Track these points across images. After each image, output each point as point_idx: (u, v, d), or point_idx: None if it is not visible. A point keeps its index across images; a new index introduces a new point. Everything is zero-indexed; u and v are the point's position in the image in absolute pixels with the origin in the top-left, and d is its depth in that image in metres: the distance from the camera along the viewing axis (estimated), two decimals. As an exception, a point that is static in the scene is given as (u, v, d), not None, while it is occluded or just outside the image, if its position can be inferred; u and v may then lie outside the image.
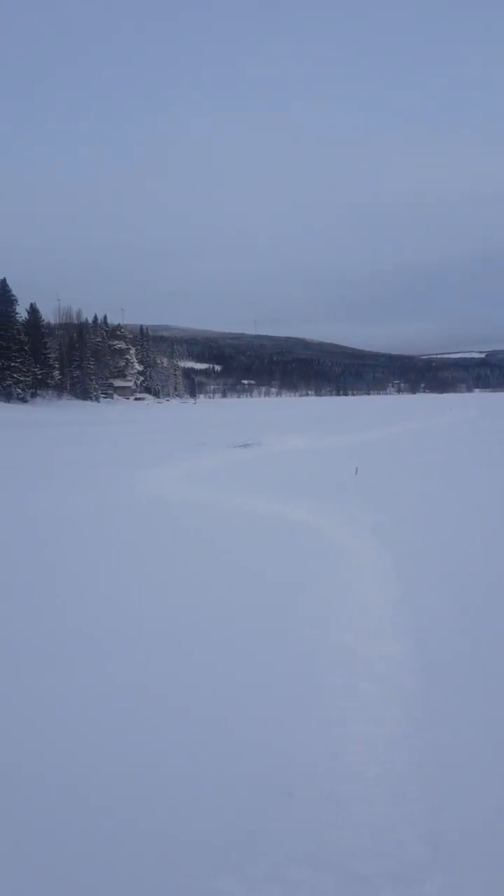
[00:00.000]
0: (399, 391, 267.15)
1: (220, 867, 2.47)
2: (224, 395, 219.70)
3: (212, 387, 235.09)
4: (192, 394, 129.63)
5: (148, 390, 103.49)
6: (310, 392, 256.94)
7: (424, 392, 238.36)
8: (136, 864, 2.49)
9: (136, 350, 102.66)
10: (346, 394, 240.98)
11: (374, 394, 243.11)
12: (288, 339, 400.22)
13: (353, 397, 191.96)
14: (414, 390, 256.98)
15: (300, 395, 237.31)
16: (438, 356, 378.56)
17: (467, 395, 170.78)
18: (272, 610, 5.25)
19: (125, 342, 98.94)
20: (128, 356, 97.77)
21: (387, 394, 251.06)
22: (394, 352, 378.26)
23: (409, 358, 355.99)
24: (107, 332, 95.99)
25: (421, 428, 32.06)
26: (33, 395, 70.65)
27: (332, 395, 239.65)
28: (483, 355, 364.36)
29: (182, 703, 3.73)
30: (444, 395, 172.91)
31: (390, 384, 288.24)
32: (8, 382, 66.75)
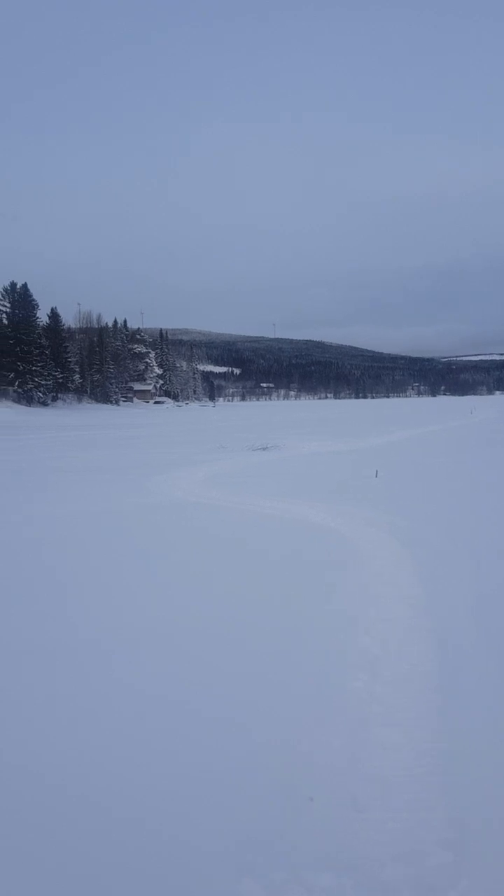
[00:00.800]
0: (419, 394, 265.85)
1: (242, 871, 2.48)
2: (243, 398, 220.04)
3: (231, 390, 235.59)
4: (211, 397, 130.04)
5: (167, 394, 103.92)
6: (329, 395, 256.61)
7: (444, 394, 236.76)
8: (159, 868, 2.50)
9: (156, 353, 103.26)
10: (365, 396, 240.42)
11: (393, 396, 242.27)
12: (307, 341, 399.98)
13: (373, 400, 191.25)
14: (434, 393, 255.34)
15: (319, 398, 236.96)
16: (458, 358, 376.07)
17: (489, 397, 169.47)
18: (302, 610, 5.25)
19: (145, 346, 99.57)
20: (147, 360, 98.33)
21: (406, 396, 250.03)
22: (413, 354, 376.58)
23: (429, 360, 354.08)
24: (126, 335, 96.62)
25: (441, 430, 31.86)
26: (54, 399, 71.29)
27: (351, 397, 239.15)
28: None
29: (213, 703, 3.73)
30: (465, 397, 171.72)
31: (410, 386, 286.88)
32: (29, 386, 67.42)
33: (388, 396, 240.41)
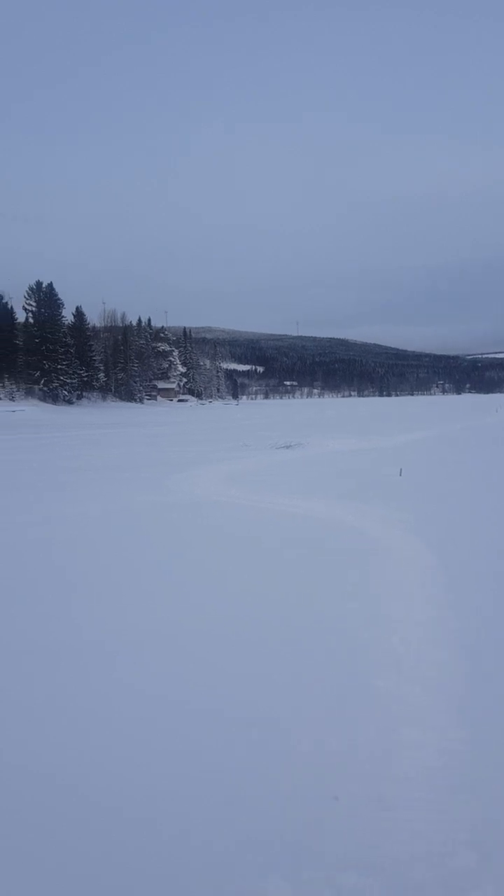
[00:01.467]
0: (444, 391, 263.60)
1: (268, 869, 2.48)
2: (266, 397, 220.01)
3: (254, 388, 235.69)
4: (235, 395, 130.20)
5: (191, 392, 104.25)
6: (352, 393, 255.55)
7: (470, 392, 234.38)
8: (186, 867, 2.51)
9: (179, 352, 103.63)
10: (389, 394, 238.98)
11: (417, 394, 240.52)
12: (330, 339, 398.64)
13: (397, 398, 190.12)
14: (459, 390, 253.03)
15: (342, 396, 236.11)
16: (484, 356, 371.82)
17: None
18: (324, 609, 5.24)
19: (168, 344, 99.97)
20: (171, 358, 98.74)
21: (431, 394, 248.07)
22: (438, 352, 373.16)
23: (454, 358, 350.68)
24: (150, 334, 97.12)
25: (466, 429, 31.56)
26: (79, 398, 71.91)
27: (374, 395, 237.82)
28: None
29: (233, 704, 3.74)
30: (491, 395, 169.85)
31: (434, 384, 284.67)
32: (55, 385, 68.08)
33: (412, 394, 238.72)
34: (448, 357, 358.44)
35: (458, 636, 4.71)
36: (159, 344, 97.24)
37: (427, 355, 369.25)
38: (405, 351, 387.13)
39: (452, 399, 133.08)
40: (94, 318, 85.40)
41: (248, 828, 2.70)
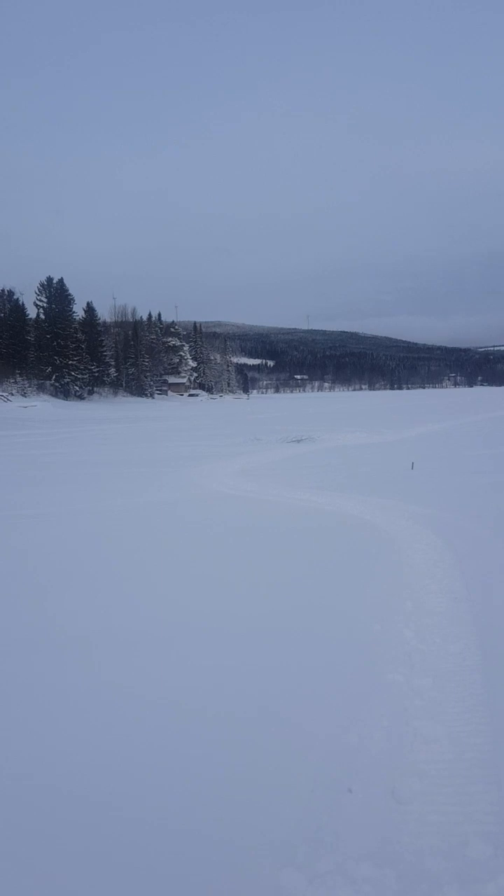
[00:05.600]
0: (455, 384, 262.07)
1: (283, 862, 2.50)
2: (277, 391, 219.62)
3: (264, 382, 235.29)
4: (245, 389, 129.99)
5: (201, 386, 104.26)
6: (363, 386, 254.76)
7: (482, 385, 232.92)
8: (202, 859, 2.54)
9: (190, 346, 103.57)
10: (400, 387, 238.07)
11: (429, 387, 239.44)
12: (341, 333, 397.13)
13: (408, 391, 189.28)
14: (471, 383, 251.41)
15: (353, 390, 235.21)
16: (496, 348, 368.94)
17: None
18: (338, 602, 5.26)
19: (179, 339, 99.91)
20: (182, 353, 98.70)
21: (442, 387, 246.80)
22: (449, 344, 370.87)
23: (466, 351, 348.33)
24: (161, 329, 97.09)
25: (478, 422, 31.40)
26: (90, 393, 72.10)
27: (385, 389, 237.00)
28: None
29: (249, 697, 3.77)
30: (503, 388, 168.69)
31: (446, 377, 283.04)
32: (66, 380, 68.30)
33: (423, 387, 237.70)
34: (460, 350, 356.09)
35: (473, 629, 4.71)
36: (170, 339, 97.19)
37: (438, 348, 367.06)
38: (416, 344, 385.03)
39: (464, 392, 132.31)
40: (104, 314, 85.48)
41: (264, 819, 2.72)
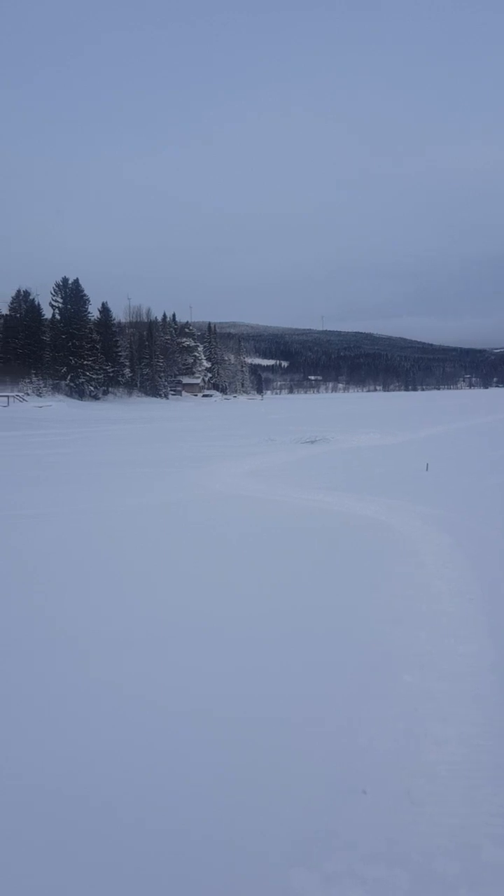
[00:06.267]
0: (470, 386, 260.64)
1: (295, 862, 2.50)
2: (291, 391, 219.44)
3: (278, 383, 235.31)
4: (259, 390, 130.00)
5: (215, 387, 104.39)
6: (377, 387, 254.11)
7: (497, 386, 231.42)
8: (217, 858, 2.55)
9: (204, 347, 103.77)
10: (414, 389, 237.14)
11: (443, 388, 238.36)
12: (355, 333, 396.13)
13: (422, 392, 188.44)
14: (486, 385, 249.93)
15: (367, 391, 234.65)
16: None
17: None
18: (351, 604, 5.25)
19: (193, 339, 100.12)
20: (196, 353, 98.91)
21: (457, 388, 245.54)
22: (465, 345, 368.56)
23: (481, 352, 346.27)
24: (175, 329, 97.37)
25: (493, 423, 31.20)
26: (105, 393, 72.40)
27: (400, 390, 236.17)
28: None
29: (262, 698, 3.77)
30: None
31: (461, 378, 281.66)
32: (81, 380, 68.65)
33: (438, 388, 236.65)
34: (475, 351, 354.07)
35: (487, 630, 4.69)
36: (184, 339, 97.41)
37: (453, 349, 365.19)
38: (431, 345, 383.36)
39: (479, 393, 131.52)
40: (119, 314, 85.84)
41: (278, 819, 2.73)
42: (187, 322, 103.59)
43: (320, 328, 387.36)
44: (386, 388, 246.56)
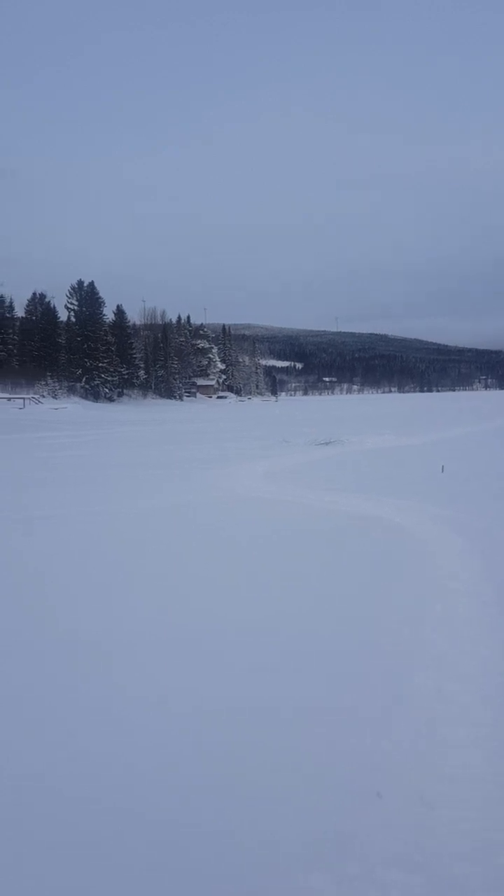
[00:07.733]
0: (486, 387, 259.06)
1: (313, 865, 2.50)
2: (305, 393, 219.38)
3: (293, 384, 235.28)
4: (274, 392, 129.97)
5: (230, 389, 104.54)
6: (392, 389, 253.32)
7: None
8: (235, 860, 2.54)
9: (219, 349, 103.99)
10: (430, 390, 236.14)
11: (459, 390, 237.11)
12: (370, 335, 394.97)
13: (438, 393, 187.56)
14: (502, 386, 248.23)
15: (382, 392, 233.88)
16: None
17: None
18: (365, 606, 5.23)
19: (208, 341, 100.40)
20: (210, 355, 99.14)
21: (473, 390, 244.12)
22: (480, 346, 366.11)
23: (497, 353, 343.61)
24: (190, 331, 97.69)
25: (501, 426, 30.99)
26: (120, 395, 72.75)
27: (415, 391, 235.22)
28: None
29: (277, 700, 3.77)
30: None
31: (477, 380, 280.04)
32: (96, 382, 69.02)
33: (453, 390, 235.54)
34: (491, 352, 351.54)
35: (503, 633, 4.65)
36: (199, 341, 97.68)
37: (469, 350, 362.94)
38: (446, 346, 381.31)
39: (496, 395, 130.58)
40: (134, 316, 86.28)
41: (293, 823, 2.72)
42: (202, 324, 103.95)
43: (335, 329, 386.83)
44: (401, 390, 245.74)
